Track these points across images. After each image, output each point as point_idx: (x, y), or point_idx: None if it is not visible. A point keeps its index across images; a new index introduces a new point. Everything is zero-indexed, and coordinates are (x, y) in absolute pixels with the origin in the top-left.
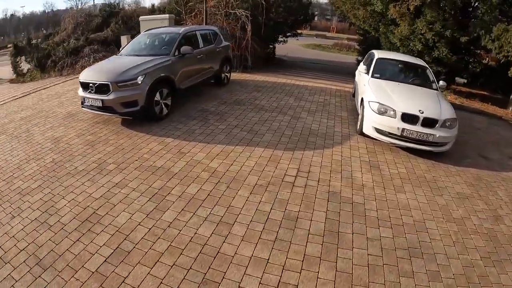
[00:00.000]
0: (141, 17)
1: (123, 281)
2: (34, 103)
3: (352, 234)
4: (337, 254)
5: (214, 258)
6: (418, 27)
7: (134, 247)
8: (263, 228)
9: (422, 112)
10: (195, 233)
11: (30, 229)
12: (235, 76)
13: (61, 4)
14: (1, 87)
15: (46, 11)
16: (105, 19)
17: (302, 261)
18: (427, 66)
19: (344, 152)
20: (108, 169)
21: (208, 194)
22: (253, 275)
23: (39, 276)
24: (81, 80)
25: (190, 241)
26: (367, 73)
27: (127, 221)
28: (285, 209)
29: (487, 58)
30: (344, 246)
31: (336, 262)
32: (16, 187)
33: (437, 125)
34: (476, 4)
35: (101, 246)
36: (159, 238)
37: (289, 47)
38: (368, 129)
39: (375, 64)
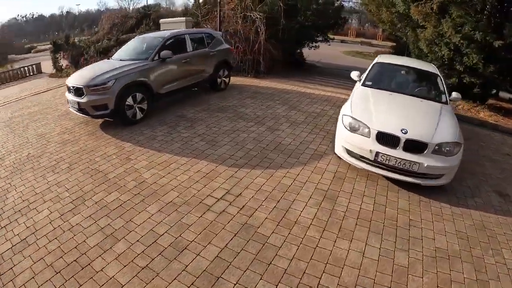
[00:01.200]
0: (161, 20)
1: (11, 268)
2: (47, 99)
3: (235, 285)
4: None
5: (82, 269)
6: (443, 28)
7: (34, 242)
8: (142, 251)
9: (405, 132)
10: (84, 241)
11: None
12: (240, 81)
13: (115, 4)
14: (39, 80)
15: (100, 10)
16: (139, 20)
17: None
18: (438, 73)
19: (302, 175)
20: (61, 167)
21: (120, 205)
22: None
23: None
24: (66, 83)
25: (74, 247)
26: (359, 80)
27: (44, 217)
28: (180, 235)
29: None
30: None
31: None
32: None
33: (426, 150)
34: None
35: (15, 235)
36: (55, 238)
37: (329, 53)
38: (338, 149)
39: (370, 69)
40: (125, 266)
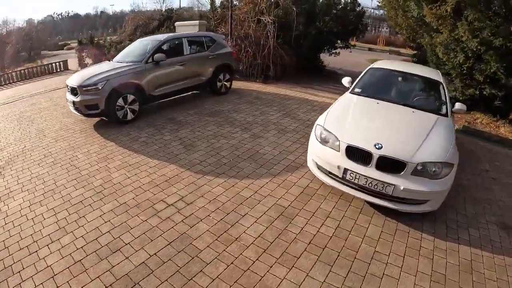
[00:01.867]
0: (176, 23)
1: None
2: (59, 96)
3: None
4: None
5: (29, 254)
6: (459, 32)
7: (1, 226)
8: (81, 247)
9: (379, 147)
10: (39, 230)
11: None
12: (246, 85)
13: (148, 5)
14: (62, 77)
15: (135, 10)
16: (161, 22)
17: None
18: (440, 80)
19: (265, 188)
20: (46, 162)
21: (81, 201)
22: None
23: None
24: (66, 82)
25: (30, 235)
26: (350, 87)
27: (16, 205)
28: (119, 236)
29: None
30: None
31: None
32: None
33: (404, 170)
34: None
35: None
36: (19, 225)
37: (353, 60)
38: (309, 163)
39: (363, 75)
40: (63, 257)
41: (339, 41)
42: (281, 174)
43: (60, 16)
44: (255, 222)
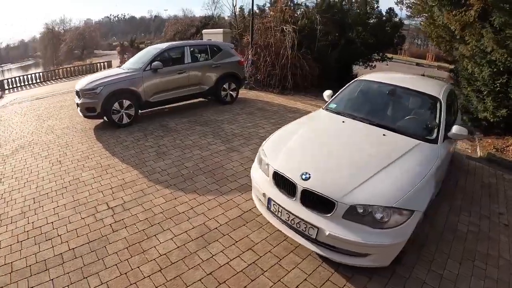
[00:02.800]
0: (204, 30)
1: None
2: None
3: None
4: None
5: None
6: (484, 42)
7: None
8: (22, 233)
9: (306, 178)
10: (6, 212)
11: None
12: (260, 95)
13: (199, 12)
14: None
15: (188, 16)
16: (198, 29)
17: None
18: (438, 97)
19: (204, 205)
20: (41, 155)
21: (47, 193)
22: None
23: None
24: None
25: None
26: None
27: (1, 189)
28: (56, 228)
29: None
30: None
31: None
32: None
33: (334, 211)
34: None
35: None
36: None
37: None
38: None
39: (344, 88)
40: (11, 236)
41: (374, 53)
42: (230, 193)
43: (116, 18)
44: (171, 239)
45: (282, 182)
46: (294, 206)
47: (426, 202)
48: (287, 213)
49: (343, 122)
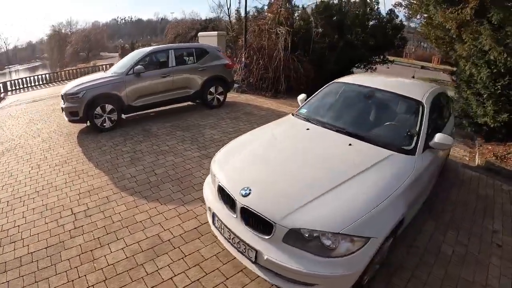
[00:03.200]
0: (199, 33)
1: None
2: None
3: None
4: None
5: None
6: (482, 40)
7: None
8: None
9: (246, 194)
10: None
11: None
12: (250, 99)
13: (206, 15)
14: None
15: (195, 19)
16: (198, 31)
17: None
18: (422, 101)
19: (162, 215)
20: (23, 158)
21: (13, 195)
22: None
23: None
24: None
25: None
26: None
27: None
28: (20, 231)
29: None
30: None
31: None
32: None
33: (273, 233)
34: None
35: None
36: None
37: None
38: None
39: (319, 92)
40: None
41: (375, 56)
42: (192, 203)
43: (123, 20)
44: (122, 248)
45: (225, 197)
46: (235, 224)
47: (388, 227)
48: (228, 231)
49: (308, 129)
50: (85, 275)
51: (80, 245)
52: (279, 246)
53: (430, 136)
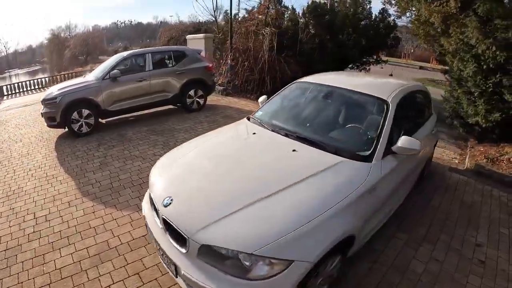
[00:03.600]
0: (187, 36)
1: None
2: None
3: None
4: None
5: None
6: (469, 33)
7: None
8: None
9: (167, 204)
10: None
11: None
12: (233, 102)
13: (206, 17)
14: None
15: (194, 22)
16: (192, 34)
17: None
18: (387, 100)
19: (116, 221)
20: (2, 163)
21: None
22: None
23: None
24: None
25: None
26: None
27: None
28: None
29: None
30: None
31: None
32: None
33: (187, 248)
34: None
35: None
36: None
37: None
38: None
39: (279, 93)
40: None
41: (367, 56)
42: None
43: (123, 24)
44: (72, 253)
45: (153, 206)
46: (160, 235)
47: (321, 248)
48: (155, 242)
49: (254, 134)
50: (34, 278)
51: (35, 248)
52: (194, 262)
53: (396, 139)
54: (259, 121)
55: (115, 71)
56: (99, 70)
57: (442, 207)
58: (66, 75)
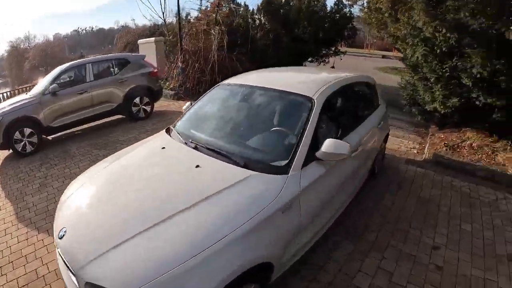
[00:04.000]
0: (139, 41)
1: None
2: None
3: None
4: None
5: None
6: (415, 15)
7: None
8: None
9: (62, 235)
10: None
11: None
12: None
13: (169, 19)
14: None
15: (157, 24)
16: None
17: None
18: (312, 97)
19: (49, 248)
20: None
21: None
22: None
23: None
24: None
25: None
26: None
27: None
28: None
29: None
30: None
31: None
32: None
33: (77, 283)
34: None
35: None
36: None
37: (359, 68)
38: None
39: (200, 99)
40: None
41: (325, 49)
42: None
43: (84, 31)
44: (3, 285)
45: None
46: (63, 268)
47: (214, 283)
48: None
49: (163, 148)
50: None
51: None
52: None
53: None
54: (176, 132)
55: (54, 85)
56: (41, 85)
57: (396, 207)
58: (26, 88)
